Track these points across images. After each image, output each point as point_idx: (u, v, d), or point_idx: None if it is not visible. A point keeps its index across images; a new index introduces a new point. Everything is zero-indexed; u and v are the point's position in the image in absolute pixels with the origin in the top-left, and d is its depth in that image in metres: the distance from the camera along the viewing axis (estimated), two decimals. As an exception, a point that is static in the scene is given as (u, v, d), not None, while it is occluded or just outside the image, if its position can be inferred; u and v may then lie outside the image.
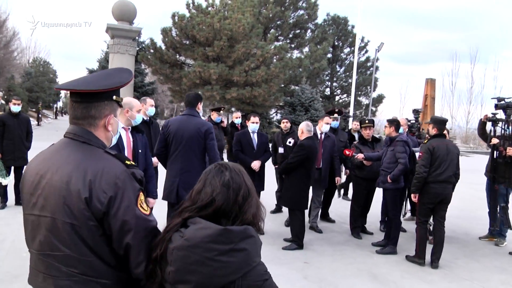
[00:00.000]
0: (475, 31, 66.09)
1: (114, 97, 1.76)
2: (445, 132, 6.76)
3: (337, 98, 35.76)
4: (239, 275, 1.45)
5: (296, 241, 6.08)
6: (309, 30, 31.16)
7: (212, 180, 1.59)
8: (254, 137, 6.79)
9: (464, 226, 7.99)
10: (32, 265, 1.72)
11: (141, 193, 1.65)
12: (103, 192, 1.55)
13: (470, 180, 14.40)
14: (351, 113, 23.05)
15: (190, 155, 4.43)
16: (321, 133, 6.93)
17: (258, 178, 6.68)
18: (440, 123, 5.68)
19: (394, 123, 6.21)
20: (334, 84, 35.39)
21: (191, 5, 21.55)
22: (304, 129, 6.10)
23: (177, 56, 21.94)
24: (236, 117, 8.89)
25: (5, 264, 4.90)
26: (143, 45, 23.91)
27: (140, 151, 4.09)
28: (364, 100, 35.11)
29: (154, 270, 1.56)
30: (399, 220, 6.19)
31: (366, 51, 34.46)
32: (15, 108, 7.51)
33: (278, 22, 28.23)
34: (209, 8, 21.43)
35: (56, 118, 49.65)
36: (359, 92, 34.62)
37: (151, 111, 5.69)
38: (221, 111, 8.58)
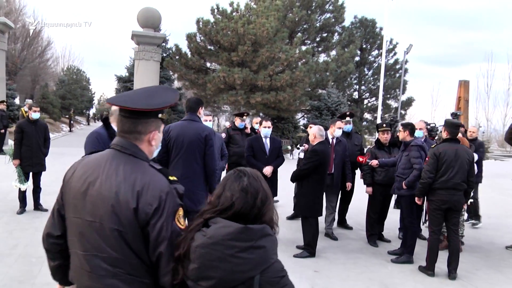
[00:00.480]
0: (511, 30, 63.93)
1: (160, 115, 1.88)
2: (459, 136, 6.53)
3: (365, 101, 35.21)
4: (258, 271, 1.54)
5: (308, 249, 5.94)
6: (336, 33, 30.77)
7: (232, 185, 1.69)
8: (267, 142, 6.69)
9: (491, 234, 7.63)
10: (76, 264, 1.84)
11: (180, 208, 1.79)
12: (148, 204, 1.70)
13: (502, 185, 13.86)
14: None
15: (191, 161, 4.38)
16: (333, 138, 6.76)
17: (271, 183, 6.47)
18: (453, 126, 5.44)
19: (408, 127, 5.99)
20: (362, 87, 34.85)
21: (215, 10, 21.65)
22: (316, 133, 5.96)
23: (202, 62, 22.04)
24: (256, 122, 8.70)
25: (12, 269, 4.96)
26: (170, 52, 24.12)
27: None
28: (393, 103, 34.40)
29: (177, 268, 1.66)
30: (416, 228, 5.95)
31: (395, 53, 33.81)
32: (35, 115, 7.67)
33: (305, 26, 28.01)
34: (234, 13, 21.48)
35: (88, 124, 50.84)
36: (388, 95, 33.99)
37: None
38: (245, 117, 8.43)
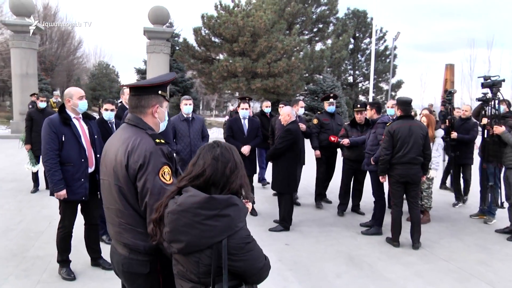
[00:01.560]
0: (492, 18, 61.37)
1: (160, 92, 2.00)
2: (426, 113, 5.95)
3: (359, 85, 34.28)
4: (224, 237, 1.50)
5: (283, 223, 5.49)
6: (331, 24, 29.79)
7: (205, 155, 1.65)
8: (245, 123, 6.18)
9: (460, 205, 7.05)
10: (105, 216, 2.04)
11: (165, 166, 1.83)
12: (135, 161, 1.81)
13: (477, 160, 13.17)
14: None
15: None
16: (297, 116, 6.18)
17: (250, 162, 6.09)
18: (405, 104, 4.85)
19: (375, 105, 5.44)
20: (356, 72, 33.88)
21: (218, 6, 20.94)
22: (290, 113, 5.45)
23: (208, 53, 21.46)
24: (266, 106, 7.96)
25: (12, 243, 4.74)
26: (180, 45, 23.54)
27: (96, 136, 3.86)
28: (384, 86, 33.47)
29: (155, 230, 1.65)
30: (384, 201, 5.44)
31: (385, 41, 32.86)
32: (42, 104, 7.44)
33: (303, 18, 27.08)
34: (236, 8, 20.73)
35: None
36: (380, 79, 33.07)
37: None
38: (247, 100, 7.74)
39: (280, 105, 6.89)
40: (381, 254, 4.68)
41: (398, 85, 32.43)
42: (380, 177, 4.99)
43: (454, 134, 6.44)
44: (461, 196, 6.99)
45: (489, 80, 5.39)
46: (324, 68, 24.91)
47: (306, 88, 22.80)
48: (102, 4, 79.02)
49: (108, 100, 5.00)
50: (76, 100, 3.72)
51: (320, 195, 6.83)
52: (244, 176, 1.69)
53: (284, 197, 5.46)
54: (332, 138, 5.96)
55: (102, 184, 2.01)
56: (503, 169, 5.49)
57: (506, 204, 5.43)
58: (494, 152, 5.53)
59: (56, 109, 7.29)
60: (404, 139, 4.67)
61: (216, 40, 20.78)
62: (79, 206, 3.88)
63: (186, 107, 5.86)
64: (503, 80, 5.34)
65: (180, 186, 1.63)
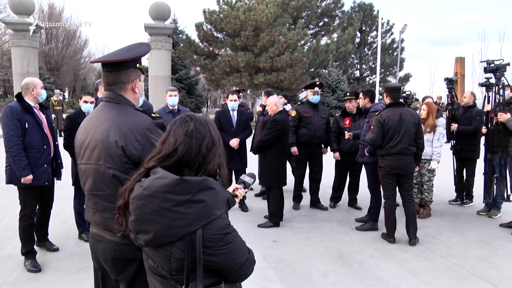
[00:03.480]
0: (504, 11, 59.76)
1: (138, 65, 1.91)
2: (428, 101, 5.61)
3: (366, 79, 33.69)
4: (197, 227, 1.26)
5: (273, 219, 5.21)
6: (336, 18, 29.24)
7: (176, 130, 1.40)
8: (234, 115, 5.89)
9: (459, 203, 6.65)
10: (85, 203, 1.92)
11: None
12: (136, 140, 1.70)
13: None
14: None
15: None
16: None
17: (239, 155, 5.82)
18: (394, 90, 4.50)
19: (368, 94, 5.11)
20: (363, 66, 33.30)
21: (220, 1, 20.66)
22: (277, 103, 5.16)
23: (211, 48, 21.21)
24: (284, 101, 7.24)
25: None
26: (183, 41, 23.35)
27: (53, 125, 4.08)
28: (392, 80, 32.80)
29: (119, 219, 1.45)
30: (380, 195, 5.11)
31: (392, 33, 32.20)
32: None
33: (309, 12, 26.59)
34: (238, 3, 20.41)
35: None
36: (387, 72, 32.42)
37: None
38: (241, 94, 7.37)
39: (264, 95, 6.53)
40: (374, 251, 4.37)
41: (405, 78, 31.79)
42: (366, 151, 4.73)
43: (454, 126, 5.95)
44: (463, 195, 6.33)
45: (492, 65, 5.02)
46: (330, 62, 24.49)
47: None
48: (108, 3, 79.27)
49: (88, 91, 4.77)
50: (39, 89, 3.83)
51: (298, 197, 6.12)
52: (223, 155, 1.45)
53: (273, 191, 5.17)
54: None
55: (84, 170, 1.85)
56: (509, 159, 5.12)
57: (512, 197, 5.08)
58: (499, 141, 5.17)
59: (59, 107, 7.23)
60: (395, 129, 4.34)
61: (219, 35, 20.50)
62: None
63: (171, 98, 5.61)
64: (508, 64, 4.97)
65: (148, 167, 1.40)
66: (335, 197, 6.13)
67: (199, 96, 26.25)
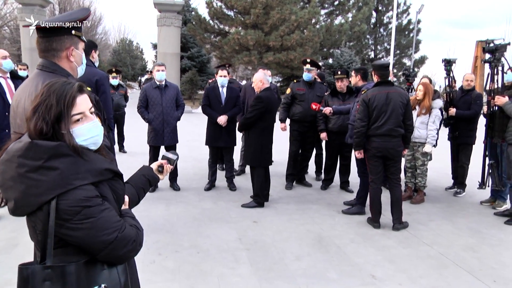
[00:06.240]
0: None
1: (74, 32, 1.79)
2: (424, 82, 5.30)
3: (382, 60, 32.84)
4: (51, 196, 1.17)
5: (256, 199, 5.05)
6: (352, -3, 28.32)
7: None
8: (223, 92, 5.67)
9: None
10: None
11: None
12: None
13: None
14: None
15: None
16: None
17: (227, 133, 5.63)
18: (381, 68, 4.23)
19: (360, 71, 4.83)
20: (378, 47, 32.35)
21: (232, -23, 20.07)
22: (263, 79, 4.93)
23: (221, 26, 20.82)
24: (269, 76, 7.05)
25: None
26: (193, 18, 22.97)
27: None
28: (407, 62, 31.81)
29: None
30: (367, 178, 4.88)
31: (408, 14, 30.98)
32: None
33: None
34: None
35: (140, 88, 51.06)
36: (403, 54, 31.43)
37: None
38: (228, 68, 7.01)
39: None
40: (356, 236, 4.18)
41: (421, 61, 30.70)
42: (356, 153, 4.42)
43: (452, 111, 5.53)
44: (462, 183, 5.90)
45: (491, 44, 4.66)
46: (343, 43, 23.84)
47: (322, 62, 21.87)
48: (126, -20, 78.51)
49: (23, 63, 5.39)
50: (0, 59, 4.02)
51: (292, 176, 6.01)
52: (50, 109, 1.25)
53: (256, 171, 5.00)
54: (314, 106, 5.33)
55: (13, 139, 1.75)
56: (505, 146, 4.81)
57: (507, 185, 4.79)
58: (501, 126, 4.84)
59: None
60: (381, 108, 4.08)
61: (229, 12, 20.07)
62: None
63: (159, 73, 5.44)
64: (508, 44, 4.61)
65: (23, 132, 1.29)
66: (327, 180, 5.95)
67: (211, 74, 26.02)
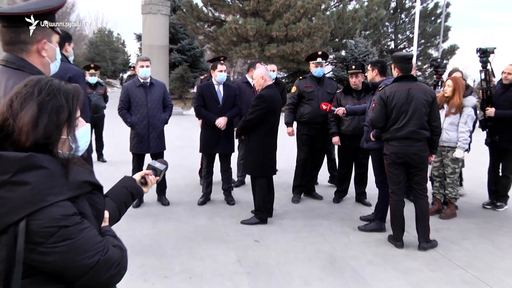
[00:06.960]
0: None
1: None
2: (455, 76, 5.31)
3: (403, 51, 32.93)
4: (20, 216, 1.14)
5: (258, 214, 5.06)
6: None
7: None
8: (220, 90, 5.70)
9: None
10: None
11: None
12: None
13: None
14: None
15: None
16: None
17: (226, 138, 5.65)
18: (403, 61, 4.24)
19: (377, 65, 4.84)
20: (399, 36, 32.46)
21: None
22: (265, 75, 4.95)
23: (216, 14, 20.97)
24: (272, 70, 6.67)
25: None
26: (183, 5, 23.13)
27: None
28: (434, 53, 31.93)
29: None
30: (387, 189, 4.88)
31: (434, -4, 31.06)
32: None
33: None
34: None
35: (121, 87, 51.25)
36: (429, 44, 31.57)
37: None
38: (222, 60, 6.99)
39: (250, 69, 6.39)
40: (375, 256, 4.18)
41: (451, 51, 30.74)
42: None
43: (489, 111, 5.49)
44: (498, 195, 5.84)
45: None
46: (358, 32, 23.96)
47: (333, 55, 22.02)
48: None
49: None
50: None
51: (299, 187, 6.02)
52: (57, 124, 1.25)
53: (258, 182, 5.02)
54: (324, 106, 5.35)
55: None
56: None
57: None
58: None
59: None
60: (400, 107, 4.10)
61: (225, -2, 20.26)
62: None
63: (143, 69, 5.48)
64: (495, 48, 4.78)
65: None
66: (340, 191, 5.97)
67: (204, 70, 26.12)
